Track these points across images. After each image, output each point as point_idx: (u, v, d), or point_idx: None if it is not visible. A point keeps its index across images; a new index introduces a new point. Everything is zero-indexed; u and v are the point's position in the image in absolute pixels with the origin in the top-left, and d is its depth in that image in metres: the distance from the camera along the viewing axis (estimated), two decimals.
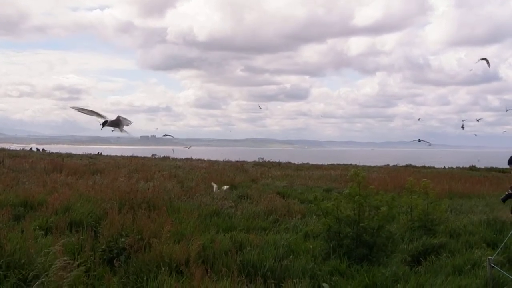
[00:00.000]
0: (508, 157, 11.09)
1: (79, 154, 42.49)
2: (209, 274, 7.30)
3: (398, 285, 7.77)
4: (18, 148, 47.75)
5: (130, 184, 16.07)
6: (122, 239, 8.36)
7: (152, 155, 46.52)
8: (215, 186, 16.84)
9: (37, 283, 6.35)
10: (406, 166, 42.69)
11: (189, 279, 7.07)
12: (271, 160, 44.02)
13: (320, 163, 44.41)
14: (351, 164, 42.36)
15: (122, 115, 8.97)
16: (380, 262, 8.95)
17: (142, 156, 44.61)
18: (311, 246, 9.61)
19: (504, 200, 10.58)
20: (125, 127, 9.04)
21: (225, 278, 7.20)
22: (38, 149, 48.76)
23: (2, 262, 6.78)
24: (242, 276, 7.32)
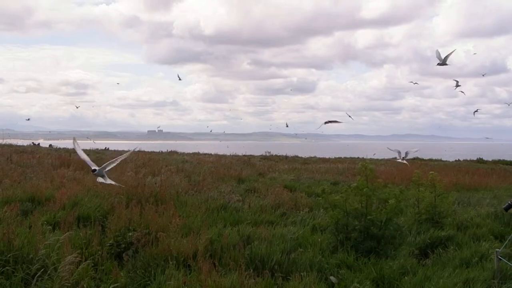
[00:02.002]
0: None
1: (86, 149, 42.51)
2: (216, 268, 7.32)
3: (406, 277, 7.76)
4: (25, 144, 47.93)
5: (138, 178, 16.12)
6: (130, 234, 8.39)
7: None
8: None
9: (45, 278, 6.39)
10: (413, 159, 42.49)
11: (197, 273, 7.10)
12: (278, 154, 43.94)
13: (327, 156, 44.30)
14: (358, 157, 42.24)
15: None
16: (388, 255, 8.94)
17: (149, 150, 44.68)
18: (318, 239, 9.60)
19: (506, 209, 10.46)
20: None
21: (232, 271, 7.22)
22: (35, 143, 48.88)
23: (10, 257, 6.82)
24: (250, 270, 7.34)
